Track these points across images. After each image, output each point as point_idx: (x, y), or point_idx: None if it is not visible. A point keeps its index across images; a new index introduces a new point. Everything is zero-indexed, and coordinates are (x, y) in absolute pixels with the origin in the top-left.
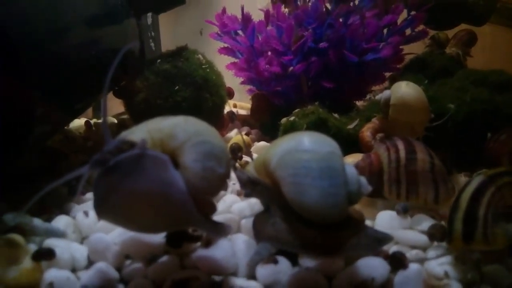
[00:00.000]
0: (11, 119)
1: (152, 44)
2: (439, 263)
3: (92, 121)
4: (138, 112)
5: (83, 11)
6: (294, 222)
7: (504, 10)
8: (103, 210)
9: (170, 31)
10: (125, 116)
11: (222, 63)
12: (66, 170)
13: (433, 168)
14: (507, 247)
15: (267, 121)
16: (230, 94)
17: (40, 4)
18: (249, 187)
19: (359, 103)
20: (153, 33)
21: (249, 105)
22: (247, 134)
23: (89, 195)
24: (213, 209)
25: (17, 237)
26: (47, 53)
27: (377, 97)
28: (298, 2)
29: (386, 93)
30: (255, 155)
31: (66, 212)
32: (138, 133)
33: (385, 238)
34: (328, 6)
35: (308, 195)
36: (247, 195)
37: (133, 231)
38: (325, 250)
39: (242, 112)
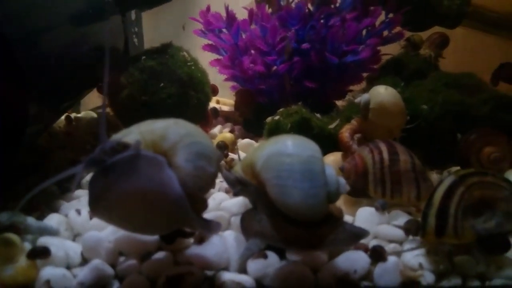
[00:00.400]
0: (7, 119)
1: (136, 40)
2: (414, 256)
3: (72, 116)
4: (123, 108)
5: (71, 9)
6: (279, 220)
7: (475, 14)
8: (98, 209)
9: (151, 26)
10: (100, 110)
11: (204, 58)
12: (53, 167)
13: (414, 168)
14: (474, 241)
15: (251, 117)
16: (215, 91)
17: (27, 4)
18: (237, 187)
19: (338, 103)
20: (136, 29)
21: (231, 101)
22: (231, 131)
23: (78, 193)
24: (204, 206)
25: (13, 236)
26: (38, 52)
27: (357, 100)
28: (282, 3)
29: (365, 96)
30: (240, 153)
31: (55, 209)
32: (131, 135)
33: (361, 233)
34: (311, 8)
35: (291, 196)
36: (236, 194)
37: (129, 231)
38: (307, 244)
39: (225, 108)
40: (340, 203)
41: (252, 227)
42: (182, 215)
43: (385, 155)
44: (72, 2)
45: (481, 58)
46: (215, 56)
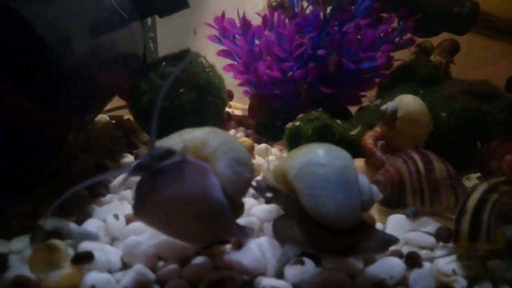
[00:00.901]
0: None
1: (152, 45)
2: (447, 262)
3: None
4: (143, 113)
5: (99, 16)
6: (310, 226)
7: (482, 21)
8: (143, 211)
9: (160, 31)
10: (112, 113)
11: (216, 62)
12: (77, 171)
13: (450, 175)
14: (505, 247)
15: (265, 121)
16: (231, 96)
17: (66, 14)
18: (266, 194)
19: (351, 109)
20: (152, 34)
21: (243, 106)
22: (246, 136)
23: (109, 197)
24: (241, 211)
25: (59, 242)
26: (73, 60)
27: (382, 107)
28: (296, 9)
29: (392, 104)
30: (257, 157)
31: (88, 214)
32: (176, 142)
33: (392, 240)
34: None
35: (325, 206)
36: (268, 202)
37: (170, 236)
38: (339, 251)
39: (237, 112)
40: (372, 210)
41: (284, 233)
42: (223, 222)
43: (420, 164)
44: (100, 9)
45: (488, 64)
46: (226, 61)
